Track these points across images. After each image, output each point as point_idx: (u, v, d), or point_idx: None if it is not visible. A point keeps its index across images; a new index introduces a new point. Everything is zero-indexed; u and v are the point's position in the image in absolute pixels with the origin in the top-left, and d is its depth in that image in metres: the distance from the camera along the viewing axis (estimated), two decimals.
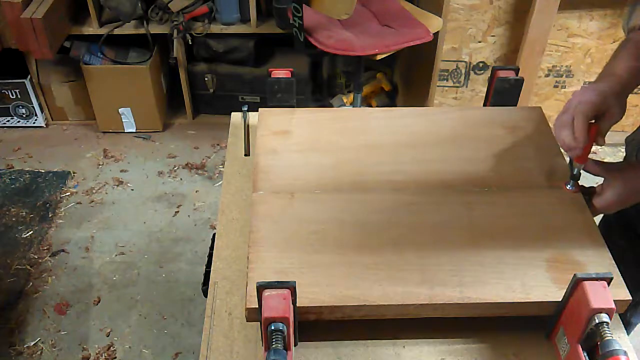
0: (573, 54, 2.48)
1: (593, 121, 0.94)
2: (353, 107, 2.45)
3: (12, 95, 2.73)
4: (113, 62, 2.64)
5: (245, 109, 1.27)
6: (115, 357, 1.90)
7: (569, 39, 2.44)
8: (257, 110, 1.21)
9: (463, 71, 2.55)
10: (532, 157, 1.09)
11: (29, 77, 2.69)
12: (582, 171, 1.00)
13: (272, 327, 0.76)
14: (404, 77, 2.85)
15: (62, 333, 1.97)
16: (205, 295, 0.98)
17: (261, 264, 0.89)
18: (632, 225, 1.18)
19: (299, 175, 1.05)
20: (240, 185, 1.14)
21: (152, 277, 2.16)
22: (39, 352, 1.91)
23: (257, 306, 0.80)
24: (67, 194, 2.51)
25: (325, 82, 2.91)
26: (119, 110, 2.74)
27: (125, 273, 2.18)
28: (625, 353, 0.75)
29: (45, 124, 2.86)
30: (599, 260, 0.90)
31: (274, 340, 0.76)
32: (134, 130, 2.82)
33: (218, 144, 2.76)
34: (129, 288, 2.12)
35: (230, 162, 1.21)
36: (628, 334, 0.91)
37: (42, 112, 2.82)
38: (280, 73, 1.23)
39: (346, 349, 0.88)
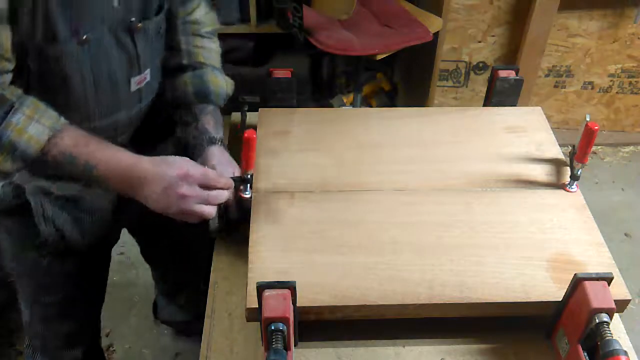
0: (573, 53, 2.47)
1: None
2: (353, 107, 2.44)
3: None
4: None
5: (245, 109, 1.27)
6: (116, 357, 1.90)
7: (569, 38, 2.43)
8: (257, 110, 1.21)
9: (463, 71, 2.55)
10: (532, 157, 1.10)
11: None
12: (578, 173, 1.00)
13: (272, 327, 0.76)
14: (404, 77, 2.85)
15: None
16: (205, 295, 0.98)
17: (261, 264, 0.89)
18: None
19: (299, 175, 1.05)
20: None
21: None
22: None
23: (257, 306, 0.80)
24: None
25: (325, 82, 2.90)
26: None
27: (125, 273, 2.17)
28: (625, 353, 0.75)
29: None
30: (599, 260, 0.91)
31: (274, 340, 0.76)
32: None
33: None
34: (129, 288, 2.12)
35: None
36: None
37: None
38: (280, 73, 1.23)
39: (346, 349, 0.88)
